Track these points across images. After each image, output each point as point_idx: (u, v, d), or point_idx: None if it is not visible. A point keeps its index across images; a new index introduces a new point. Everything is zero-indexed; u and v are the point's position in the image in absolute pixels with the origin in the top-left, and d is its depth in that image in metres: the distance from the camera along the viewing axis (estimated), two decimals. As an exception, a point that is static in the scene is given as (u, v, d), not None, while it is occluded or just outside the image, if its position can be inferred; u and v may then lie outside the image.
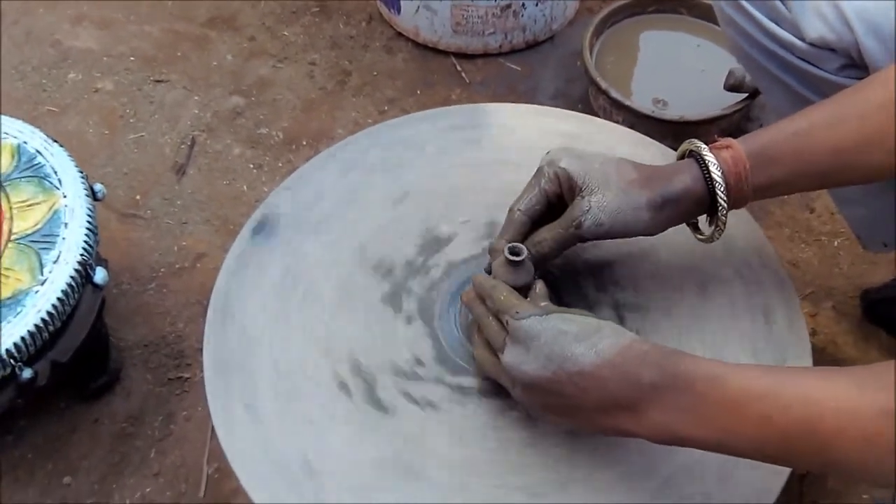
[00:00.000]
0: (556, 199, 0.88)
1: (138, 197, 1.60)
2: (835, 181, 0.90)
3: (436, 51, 1.84)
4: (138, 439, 1.32)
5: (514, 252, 0.84)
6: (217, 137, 1.70)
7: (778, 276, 0.96)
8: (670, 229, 0.87)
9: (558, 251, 0.88)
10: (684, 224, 0.89)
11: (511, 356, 0.76)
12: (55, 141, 1.25)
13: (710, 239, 0.89)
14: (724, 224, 0.86)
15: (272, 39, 1.87)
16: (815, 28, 0.98)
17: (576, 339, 0.72)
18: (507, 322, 0.77)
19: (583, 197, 0.84)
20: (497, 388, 0.84)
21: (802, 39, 1.00)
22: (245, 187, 1.62)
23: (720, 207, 0.85)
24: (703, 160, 0.84)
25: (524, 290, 0.84)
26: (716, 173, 0.83)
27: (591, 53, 1.66)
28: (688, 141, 0.88)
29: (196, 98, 1.75)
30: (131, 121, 1.72)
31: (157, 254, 1.53)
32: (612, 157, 0.87)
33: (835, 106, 0.84)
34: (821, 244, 1.53)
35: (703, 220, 0.90)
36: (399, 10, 1.81)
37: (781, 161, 0.83)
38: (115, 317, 1.44)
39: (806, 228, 1.55)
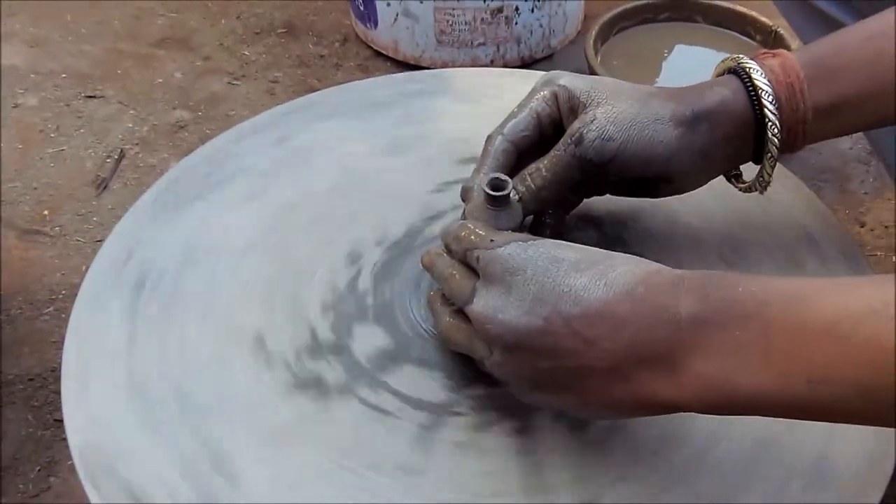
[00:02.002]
0: (552, 128, 0.67)
1: (46, 212, 1.34)
2: None
3: (418, 69, 1.58)
4: (5, 496, 1.03)
5: (495, 186, 0.62)
6: (152, 151, 1.45)
7: (844, 246, 0.72)
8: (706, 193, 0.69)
9: (556, 186, 0.65)
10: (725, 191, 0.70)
11: (484, 303, 0.54)
12: None
13: (756, 186, 0.68)
14: (775, 161, 0.65)
15: (230, 58, 1.63)
16: None
17: (575, 269, 0.52)
18: (478, 258, 0.56)
19: (587, 112, 0.64)
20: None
21: None
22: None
23: (769, 125, 0.62)
24: (745, 70, 0.64)
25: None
26: (760, 80, 0.62)
27: (595, 56, 1.40)
28: (726, 57, 0.67)
29: (132, 112, 1.51)
30: (52, 135, 1.48)
31: (59, 274, 1.26)
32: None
33: None
34: (877, 259, 1.29)
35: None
36: (376, 24, 1.57)
37: (851, 70, 0.63)
38: (-6, 346, 1.15)
39: (858, 244, 1.26)
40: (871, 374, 0.44)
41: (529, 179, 0.65)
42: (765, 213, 0.74)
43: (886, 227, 1.32)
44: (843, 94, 0.63)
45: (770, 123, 0.62)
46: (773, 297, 0.47)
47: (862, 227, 1.32)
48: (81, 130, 1.48)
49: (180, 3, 1.75)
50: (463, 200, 0.66)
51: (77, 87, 1.57)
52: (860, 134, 0.98)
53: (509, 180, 0.62)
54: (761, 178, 0.67)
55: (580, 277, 0.51)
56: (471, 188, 0.65)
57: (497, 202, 0.62)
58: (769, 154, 0.64)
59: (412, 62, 1.58)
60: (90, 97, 1.55)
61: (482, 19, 1.51)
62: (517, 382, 0.55)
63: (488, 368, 0.56)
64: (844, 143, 1.42)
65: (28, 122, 1.49)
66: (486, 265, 0.54)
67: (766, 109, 0.62)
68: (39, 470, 1.05)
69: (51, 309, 1.21)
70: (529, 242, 0.54)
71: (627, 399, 0.51)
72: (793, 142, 0.65)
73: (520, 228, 0.64)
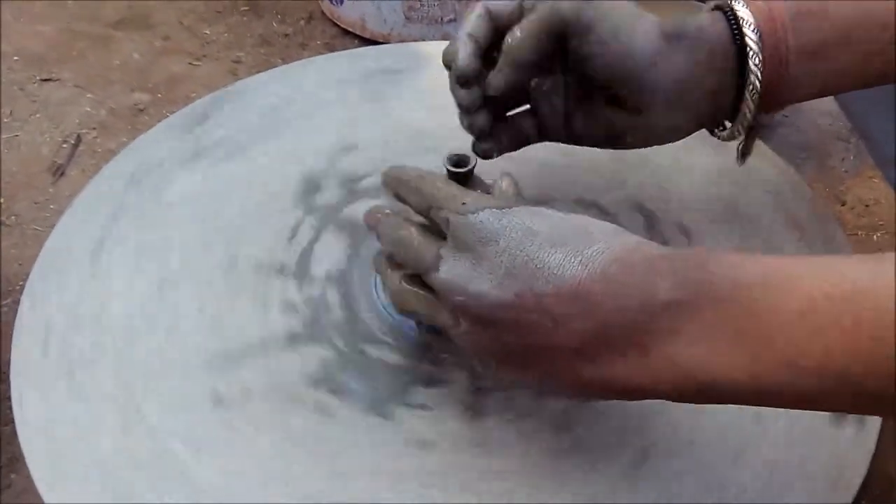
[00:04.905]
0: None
1: (2, 201, 1.27)
2: None
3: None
4: None
5: (457, 162, 0.58)
6: (110, 135, 1.39)
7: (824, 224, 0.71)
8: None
9: (530, 45, 0.60)
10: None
11: (452, 270, 0.51)
12: None
13: (737, 132, 0.65)
14: (758, 98, 0.62)
15: (191, 38, 1.58)
16: None
17: (550, 243, 0.49)
18: (447, 221, 0.52)
19: None
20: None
21: None
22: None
23: (751, 54, 0.60)
24: (729, 5, 0.62)
25: None
26: (742, 10, 0.61)
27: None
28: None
29: (89, 96, 1.46)
30: (6, 121, 1.42)
31: (17, 264, 1.20)
32: None
33: None
34: (858, 239, 1.27)
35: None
36: (342, 0, 1.52)
37: (836, 11, 0.61)
38: (-51, 340, 1.09)
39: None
40: (852, 360, 0.42)
41: (509, 53, 0.61)
42: (744, 191, 0.72)
43: (867, 205, 1.30)
44: (826, 37, 0.61)
45: (751, 53, 0.60)
46: (751, 278, 0.45)
47: (843, 205, 1.30)
48: (37, 115, 1.42)
49: (138, -20, 1.69)
50: (447, 67, 0.62)
51: (30, 70, 1.50)
52: (840, 111, 0.96)
53: (473, 156, 0.59)
54: (743, 122, 0.64)
55: (555, 253, 0.48)
56: (455, 50, 0.61)
57: (460, 179, 0.58)
58: (751, 87, 0.61)
59: (380, 40, 1.53)
60: (45, 80, 1.48)
61: (452, -7, 1.47)
62: (482, 356, 0.53)
63: (453, 337, 0.54)
64: (824, 118, 1.40)
65: (-20, 108, 1.43)
66: (455, 231, 0.51)
67: (747, 38, 0.60)
68: (0, 468, 1.00)
69: (8, 301, 1.16)
70: (504, 210, 0.51)
71: (597, 382, 0.48)
72: (775, 87, 0.62)
73: None
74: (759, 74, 0.61)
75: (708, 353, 0.45)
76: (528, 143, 0.67)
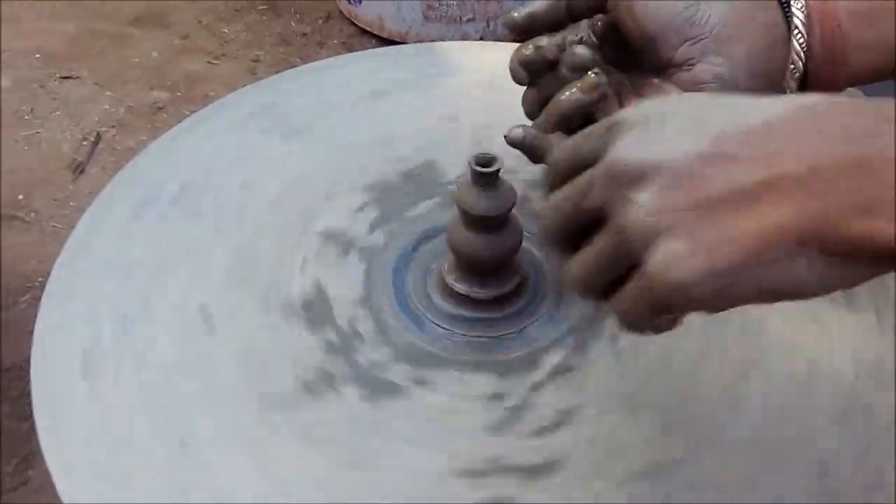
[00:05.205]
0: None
1: (21, 197, 1.29)
2: None
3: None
4: None
5: (484, 162, 0.54)
6: (129, 133, 1.40)
7: None
8: None
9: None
10: None
11: (630, 141, 0.41)
12: None
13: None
14: (802, 52, 0.56)
15: (209, 37, 1.59)
16: None
17: (744, 99, 0.42)
18: (609, 125, 0.43)
19: None
20: None
21: None
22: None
23: (793, 2, 0.56)
24: None
25: (501, 220, 0.55)
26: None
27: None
28: None
29: (108, 94, 1.47)
30: (26, 118, 1.43)
31: (35, 261, 1.21)
32: None
33: None
34: None
35: None
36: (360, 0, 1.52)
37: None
38: (-32, 336, 1.11)
39: None
40: None
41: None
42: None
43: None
44: (884, 34, 0.56)
45: (794, 19, 0.56)
46: None
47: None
48: (57, 113, 1.43)
49: (157, -22, 1.70)
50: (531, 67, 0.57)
51: (51, 68, 1.52)
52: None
53: (499, 157, 0.54)
54: (794, 75, 0.58)
55: (751, 103, 0.41)
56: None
57: (485, 180, 0.54)
58: (793, 66, 0.57)
59: (398, 39, 1.53)
60: (66, 78, 1.49)
61: (470, -6, 1.46)
62: (675, 225, 0.39)
63: (624, 219, 0.41)
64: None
65: (1, 105, 1.44)
66: (631, 115, 0.43)
67: (794, 16, 0.56)
68: (17, 463, 1.02)
69: (27, 297, 1.17)
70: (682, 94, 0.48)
71: (841, 242, 0.38)
72: (829, 54, 0.57)
73: (513, 201, 0.55)
74: (804, 56, 0.56)
75: None
76: None
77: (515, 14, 0.58)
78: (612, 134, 0.42)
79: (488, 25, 1.51)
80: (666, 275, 0.39)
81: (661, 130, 0.41)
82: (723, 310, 0.40)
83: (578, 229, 0.43)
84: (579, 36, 0.57)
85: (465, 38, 1.51)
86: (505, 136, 0.56)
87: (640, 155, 0.40)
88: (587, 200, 0.42)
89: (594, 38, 0.58)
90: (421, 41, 1.51)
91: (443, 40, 1.50)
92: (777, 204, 0.38)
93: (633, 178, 0.40)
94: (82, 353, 0.58)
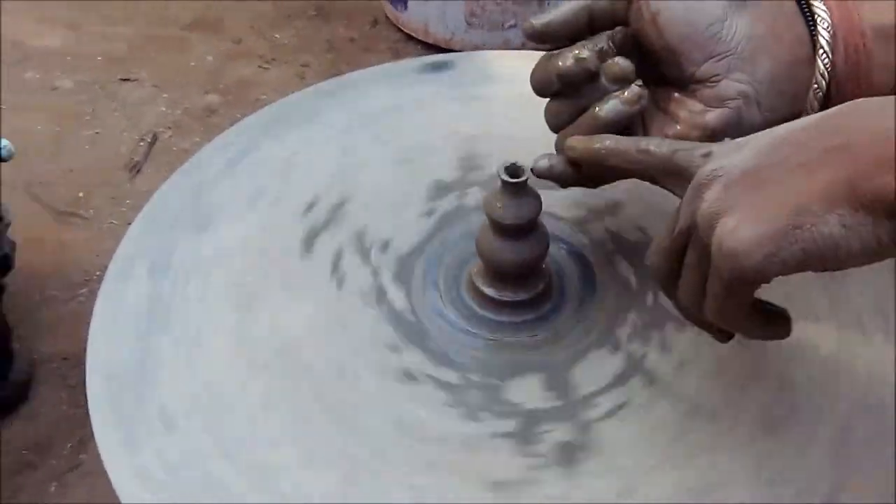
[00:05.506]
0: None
1: (81, 195, 1.36)
2: None
3: (448, 52, 1.58)
4: (39, 470, 1.06)
5: (513, 172, 0.57)
6: (184, 135, 1.46)
7: None
8: None
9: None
10: None
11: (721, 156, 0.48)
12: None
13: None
14: (828, 80, 0.56)
15: (260, 41, 1.65)
16: None
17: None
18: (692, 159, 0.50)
19: None
20: None
21: None
22: (210, 186, 1.36)
23: (819, 22, 0.56)
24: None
25: (528, 226, 0.58)
26: (818, 6, 0.56)
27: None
28: None
29: (165, 96, 1.53)
30: (87, 118, 1.50)
31: (94, 256, 1.28)
32: None
33: None
34: None
35: None
36: (406, 5, 1.57)
37: None
38: (33, 326, 1.20)
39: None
40: None
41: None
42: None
43: None
44: None
45: (821, 18, 0.56)
46: None
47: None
48: (116, 114, 1.50)
49: (211, -15, 1.76)
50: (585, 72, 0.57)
51: (112, 71, 1.59)
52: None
53: (526, 167, 0.57)
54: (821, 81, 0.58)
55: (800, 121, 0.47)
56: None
57: (514, 189, 0.57)
58: (816, 86, 0.57)
59: (443, 45, 1.57)
60: (125, 80, 1.56)
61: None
62: (731, 207, 0.46)
63: (698, 215, 0.47)
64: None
65: (65, 105, 1.52)
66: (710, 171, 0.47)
67: (817, 14, 0.56)
68: (71, 447, 1.08)
69: (85, 290, 1.23)
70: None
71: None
72: (853, 71, 0.57)
73: (539, 207, 0.59)
74: (828, 63, 0.57)
75: None
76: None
77: (535, 21, 0.59)
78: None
79: (530, 32, 1.55)
80: (722, 248, 0.44)
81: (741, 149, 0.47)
82: (774, 276, 0.44)
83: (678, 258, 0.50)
84: (599, 47, 0.57)
85: (506, 44, 1.55)
86: (532, 170, 0.58)
87: (711, 167, 0.47)
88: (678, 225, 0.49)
89: (614, 50, 0.57)
90: (464, 47, 1.55)
91: (485, 47, 1.54)
92: (817, 171, 0.43)
93: (704, 184, 0.47)
94: (136, 342, 0.62)
